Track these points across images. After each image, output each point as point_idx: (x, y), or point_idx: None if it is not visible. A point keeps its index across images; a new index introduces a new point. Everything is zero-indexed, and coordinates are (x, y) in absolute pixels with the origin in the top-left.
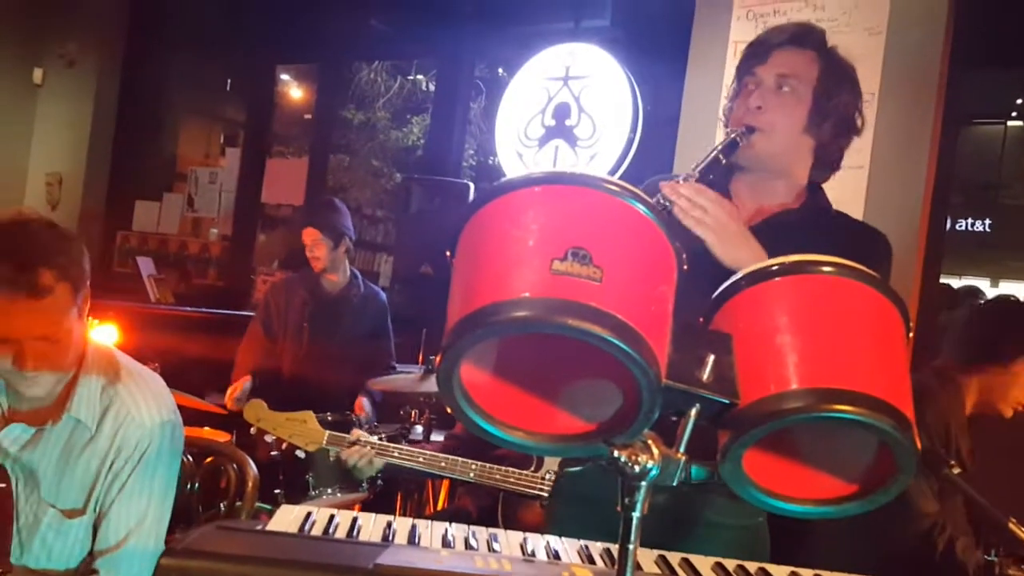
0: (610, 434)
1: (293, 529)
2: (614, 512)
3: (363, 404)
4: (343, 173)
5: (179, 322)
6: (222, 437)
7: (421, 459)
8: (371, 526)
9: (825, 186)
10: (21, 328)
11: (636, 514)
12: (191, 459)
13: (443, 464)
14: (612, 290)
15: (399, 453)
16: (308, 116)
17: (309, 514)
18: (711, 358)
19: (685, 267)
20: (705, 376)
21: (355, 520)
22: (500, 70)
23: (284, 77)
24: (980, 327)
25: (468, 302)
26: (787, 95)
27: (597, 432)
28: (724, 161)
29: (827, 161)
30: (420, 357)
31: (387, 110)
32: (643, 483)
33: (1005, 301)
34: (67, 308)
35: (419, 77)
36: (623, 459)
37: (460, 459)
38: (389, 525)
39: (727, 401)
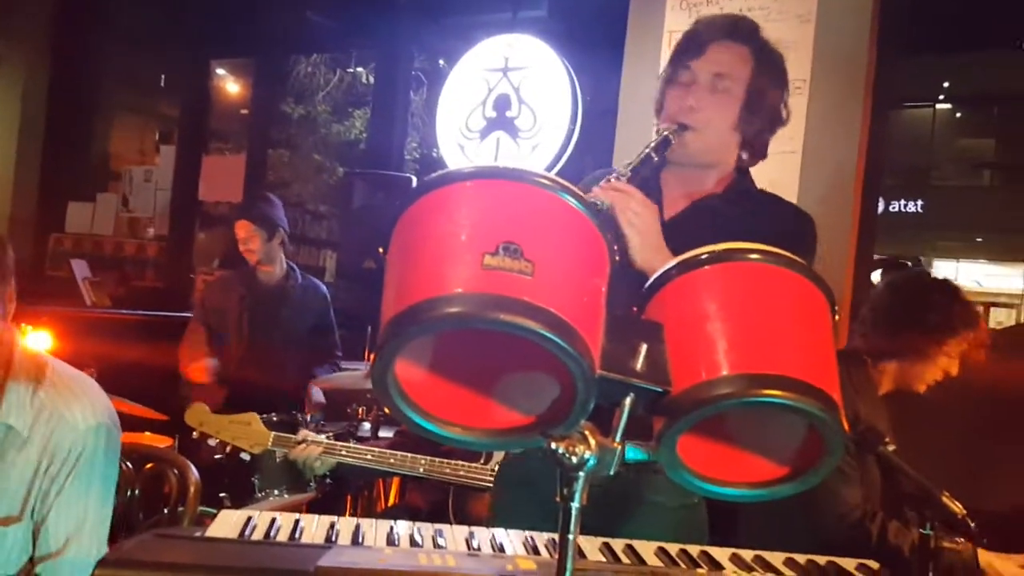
0: (548, 426)
1: (233, 534)
2: (552, 495)
3: (312, 394)
4: (284, 168)
5: (117, 326)
6: (163, 442)
7: (370, 456)
8: (314, 528)
9: (759, 171)
10: None
11: (575, 504)
12: (131, 466)
13: (392, 460)
14: (544, 284)
15: (347, 451)
16: (245, 111)
17: (250, 518)
18: (644, 347)
19: (617, 258)
20: (638, 365)
21: (297, 522)
22: (441, 61)
23: (220, 72)
24: (897, 309)
25: (401, 299)
26: (721, 93)
27: (535, 425)
28: (656, 159)
29: (754, 151)
30: (366, 353)
31: (327, 104)
32: (581, 473)
33: (920, 280)
34: None
35: (359, 70)
36: (561, 450)
37: (409, 455)
38: (332, 526)
39: (660, 389)
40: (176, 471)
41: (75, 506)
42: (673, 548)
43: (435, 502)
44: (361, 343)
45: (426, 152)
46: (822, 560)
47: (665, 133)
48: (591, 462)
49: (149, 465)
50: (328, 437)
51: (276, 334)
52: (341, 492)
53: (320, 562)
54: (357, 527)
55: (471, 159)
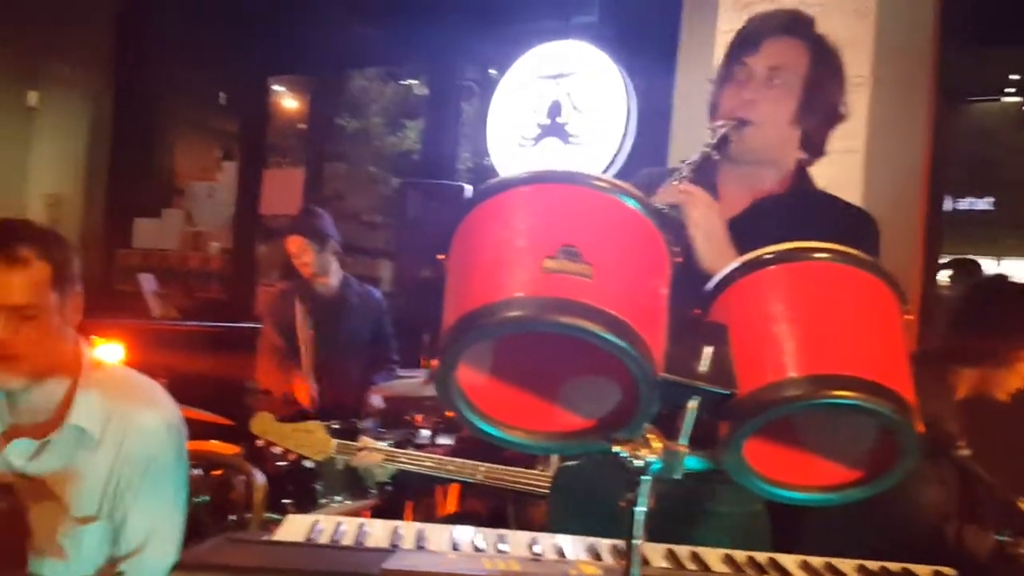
0: (610, 430)
1: (300, 538)
2: (613, 504)
3: (372, 401)
4: (340, 181)
5: (183, 337)
6: (231, 449)
7: (429, 463)
8: (378, 532)
9: (819, 171)
10: None
11: (640, 509)
12: (200, 472)
13: (451, 467)
14: (604, 286)
15: (407, 458)
16: (303, 126)
17: (316, 522)
18: (708, 350)
19: (679, 260)
20: (703, 368)
21: (361, 526)
22: (492, 71)
23: (277, 88)
24: (977, 314)
25: (462, 305)
26: (778, 87)
27: (597, 428)
28: (716, 156)
29: (813, 148)
30: (423, 361)
31: (381, 116)
32: (646, 478)
33: (1002, 285)
34: (44, 286)
35: (411, 82)
36: (624, 454)
37: (468, 461)
38: (396, 530)
39: (725, 392)
40: (243, 477)
41: (150, 506)
42: (740, 555)
43: (495, 509)
44: (418, 351)
45: (478, 161)
46: (896, 567)
47: (724, 130)
48: (656, 466)
49: (217, 471)
50: (388, 444)
51: (337, 343)
52: (402, 498)
53: (385, 565)
54: (420, 532)
55: (523, 166)
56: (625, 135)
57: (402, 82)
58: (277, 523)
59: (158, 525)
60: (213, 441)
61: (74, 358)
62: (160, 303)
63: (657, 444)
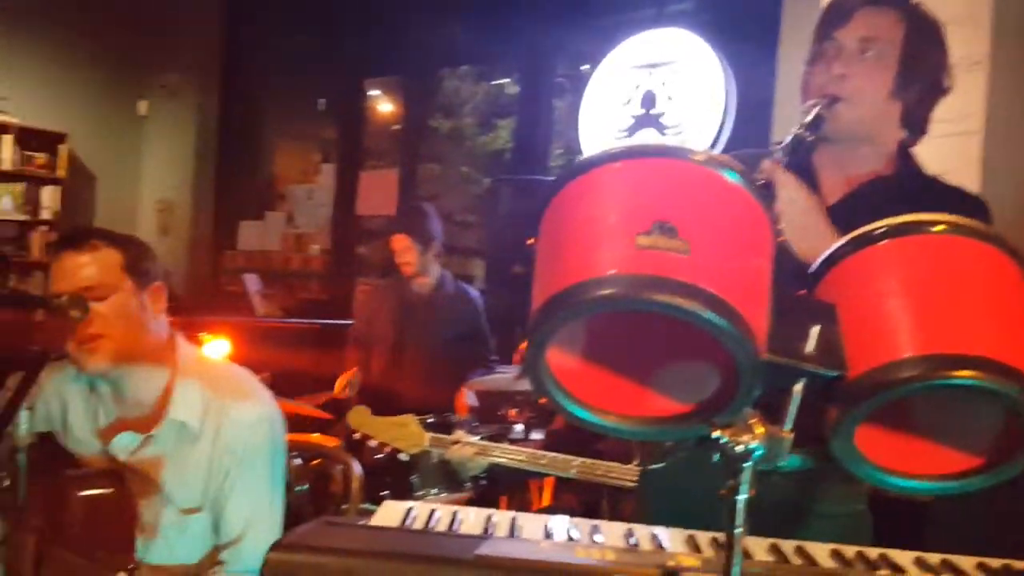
0: (709, 414)
1: (395, 523)
2: (702, 505)
3: (465, 398)
4: (434, 182)
5: (286, 334)
6: (331, 442)
7: (523, 457)
8: (471, 519)
9: (932, 153)
10: (67, 281)
11: (742, 497)
12: (300, 461)
13: (544, 461)
14: (702, 263)
15: (500, 452)
16: (397, 127)
17: (410, 509)
18: (815, 329)
19: (782, 237)
20: (809, 348)
21: (455, 514)
22: (584, 67)
23: (373, 93)
24: None
25: (552, 284)
26: (871, 60)
27: (695, 413)
28: (810, 137)
29: (914, 125)
30: (516, 356)
31: (473, 116)
32: (747, 464)
33: None
34: (113, 268)
35: (503, 81)
36: (725, 440)
37: (561, 455)
38: (489, 518)
39: (835, 373)
40: (341, 467)
41: (249, 495)
42: (849, 550)
43: (589, 503)
44: (511, 347)
45: (571, 157)
46: (1021, 564)
47: (815, 109)
48: (758, 452)
49: (316, 461)
50: (481, 439)
51: (425, 341)
52: (495, 492)
53: (479, 551)
54: (513, 520)
55: None
56: (723, 124)
57: (494, 82)
58: (373, 513)
59: (256, 515)
60: (315, 435)
61: (169, 351)
62: (264, 302)
63: (760, 429)
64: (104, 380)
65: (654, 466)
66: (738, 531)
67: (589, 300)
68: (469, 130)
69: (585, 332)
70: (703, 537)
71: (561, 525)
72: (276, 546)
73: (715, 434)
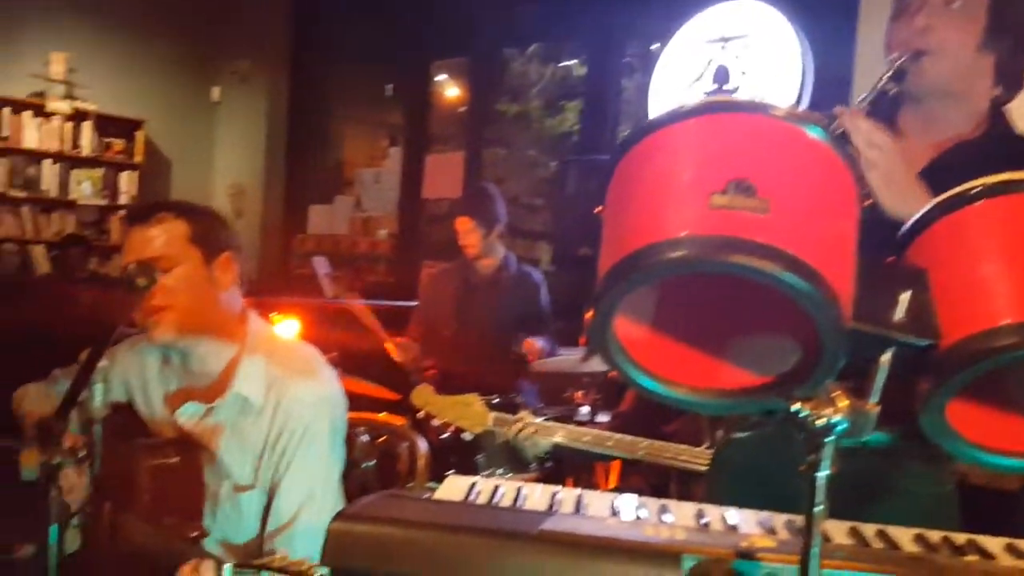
0: (788, 386)
1: (459, 497)
2: (776, 482)
3: (534, 342)
4: (500, 165)
5: (352, 315)
6: (398, 421)
7: (588, 438)
8: (536, 496)
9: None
10: (134, 252)
11: (822, 474)
12: (366, 439)
13: (610, 443)
14: (781, 222)
15: (565, 433)
16: (463, 110)
17: (474, 484)
18: (905, 295)
19: (868, 200)
20: (898, 316)
21: (520, 490)
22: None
23: (440, 77)
24: None
25: (619, 248)
26: (957, 10)
27: (773, 385)
28: (892, 91)
29: (1009, 80)
30: (581, 340)
31: (540, 99)
32: (829, 439)
33: None
34: (179, 240)
35: (571, 63)
36: (805, 413)
37: (628, 437)
38: (554, 495)
39: (926, 343)
40: (406, 444)
41: (304, 475)
42: (934, 535)
43: (657, 487)
44: (577, 330)
45: None
46: None
47: (899, 62)
48: (841, 426)
49: (382, 439)
50: (546, 420)
51: (487, 323)
52: (561, 474)
53: (543, 526)
54: (579, 497)
55: None
56: (800, 99)
57: (561, 64)
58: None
59: (310, 500)
60: (383, 414)
61: (239, 325)
62: (332, 284)
63: (843, 402)
64: (174, 350)
65: (736, 435)
66: (818, 510)
67: (659, 263)
68: (536, 113)
69: (654, 300)
70: (778, 519)
71: (629, 503)
72: (339, 516)
73: (795, 407)
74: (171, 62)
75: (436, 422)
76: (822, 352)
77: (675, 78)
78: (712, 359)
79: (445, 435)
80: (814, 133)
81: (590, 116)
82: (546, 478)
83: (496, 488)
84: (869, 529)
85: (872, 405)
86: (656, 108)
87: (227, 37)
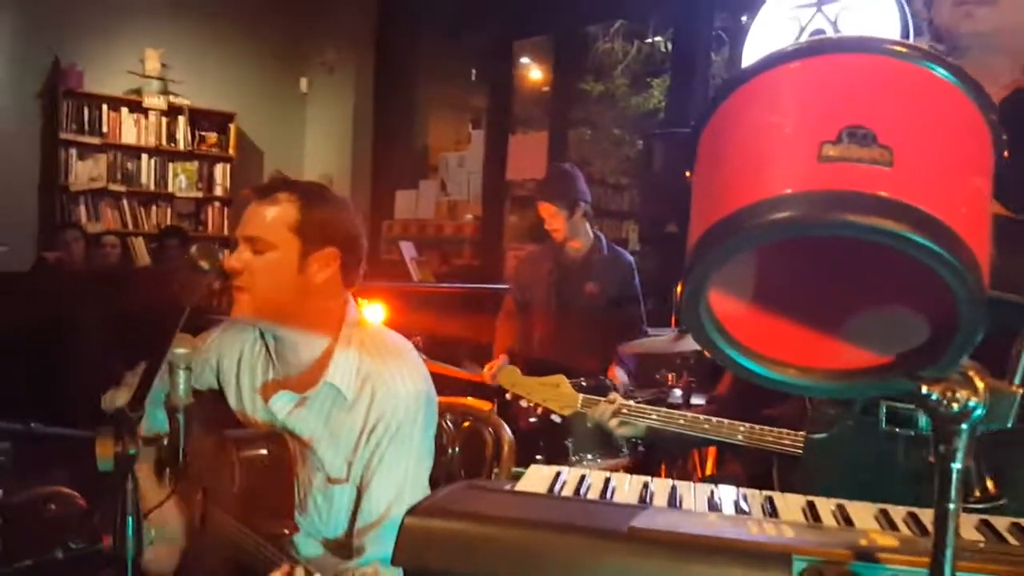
0: (914, 366)
1: (543, 489)
2: (872, 474)
3: (616, 373)
4: (585, 146)
5: (439, 299)
6: (485, 405)
7: (682, 421)
8: (627, 487)
9: None
10: (240, 227)
11: (956, 465)
12: (451, 425)
13: (707, 426)
14: (908, 174)
15: (657, 415)
16: (546, 88)
17: (559, 474)
18: None
19: (1006, 153)
20: None
21: (608, 480)
22: (743, 17)
23: (524, 60)
24: None
25: (712, 211)
26: None
27: (896, 365)
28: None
29: None
30: (673, 320)
31: (626, 77)
32: (964, 426)
33: None
34: (282, 226)
35: (657, 39)
36: (935, 396)
37: (726, 420)
38: (646, 486)
39: None
40: (491, 430)
41: (396, 471)
42: None
43: (757, 475)
44: (667, 310)
45: None
46: None
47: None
48: (978, 411)
49: (466, 423)
50: (638, 403)
51: (580, 306)
52: (655, 460)
53: (634, 522)
54: (674, 488)
55: None
56: None
57: (647, 40)
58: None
59: (402, 494)
60: (469, 398)
61: (335, 318)
62: (419, 268)
63: (981, 383)
64: (268, 337)
65: (817, 435)
66: (952, 507)
67: (759, 226)
68: (621, 91)
69: (755, 270)
70: (897, 512)
71: (729, 495)
72: (413, 510)
73: (924, 390)
74: (260, 55)
75: (524, 404)
76: (958, 326)
77: (767, 46)
78: (824, 336)
79: (534, 418)
80: (942, 72)
81: (677, 92)
82: (638, 464)
83: (583, 478)
84: (1001, 523)
85: (1017, 387)
86: None
87: (314, 28)
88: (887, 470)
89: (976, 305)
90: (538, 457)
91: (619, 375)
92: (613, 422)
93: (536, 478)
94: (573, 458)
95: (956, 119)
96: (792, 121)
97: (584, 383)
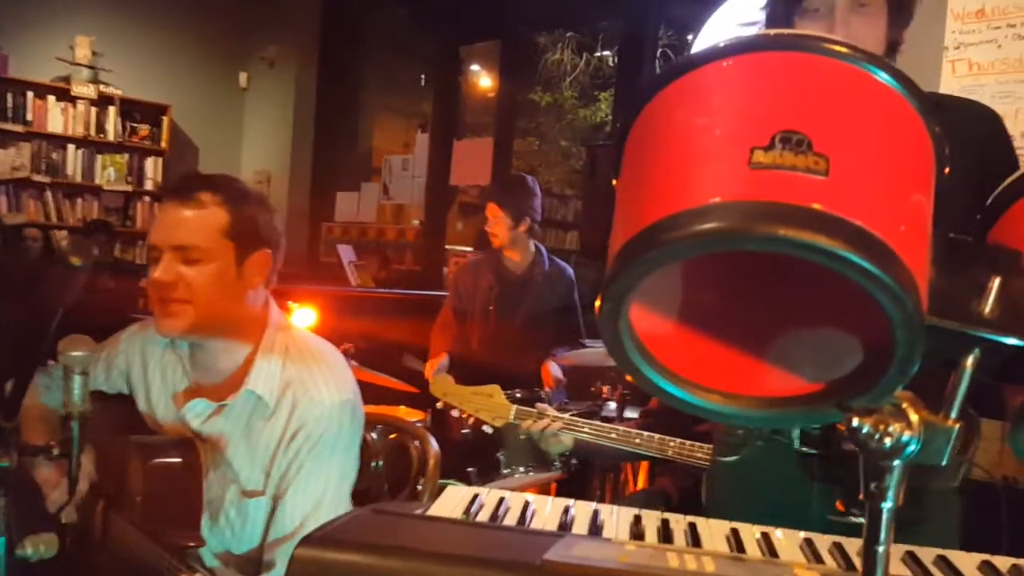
0: (846, 395)
1: (457, 514)
2: (779, 502)
3: (551, 368)
4: (532, 156)
5: (376, 304)
6: (417, 415)
7: (614, 435)
8: (547, 510)
9: None
10: (164, 234)
11: (888, 505)
12: (376, 437)
13: (638, 441)
14: (845, 186)
15: (589, 429)
16: (492, 95)
17: (476, 496)
18: (995, 283)
19: (947, 168)
20: (987, 309)
21: (527, 505)
22: (689, 36)
23: (474, 68)
24: None
25: (634, 220)
26: (868, 10)
27: (826, 393)
28: None
29: (894, 54)
30: None
31: (574, 89)
32: (897, 462)
33: None
34: (214, 231)
35: (605, 53)
36: (867, 429)
37: (657, 436)
38: (567, 511)
39: (1021, 343)
40: (418, 443)
41: (315, 483)
42: (1002, 562)
43: (686, 489)
44: None
45: None
46: None
47: None
48: (912, 446)
49: (393, 436)
50: (571, 415)
51: (518, 318)
52: (588, 473)
53: (548, 555)
54: (595, 514)
55: None
56: None
57: (596, 54)
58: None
59: (319, 507)
60: (402, 407)
61: (258, 322)
62: (357, 273)
63: (915, 416)
64: (181, 344)
65: (726, 459)
66: (881, 550)
67: (684, 238)
68: (569, 103)
69: (680, 285)
70: (822, 542)
71: (653, 521)
72: (308, 539)
73: (854, 422)
74: (198, 47)
75: (457, 414)
76: (894, 353)
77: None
78: (752, 360)
79: (466, 429)
80: (884, 77)
81: (622, 107)
82: (572, 477)
83: (501, 501)
84: (927, 555)
85: (953, 421)
86: None
87: (255, 22)
88: (800, 491)
89: (913, 330)
90: (469, 469)
91: (553, 370)
92: (545, 436)
93: (451, 501)
94: (505, 470)
95: (897, 128)
96: (722, 123)
97: (519, 394)
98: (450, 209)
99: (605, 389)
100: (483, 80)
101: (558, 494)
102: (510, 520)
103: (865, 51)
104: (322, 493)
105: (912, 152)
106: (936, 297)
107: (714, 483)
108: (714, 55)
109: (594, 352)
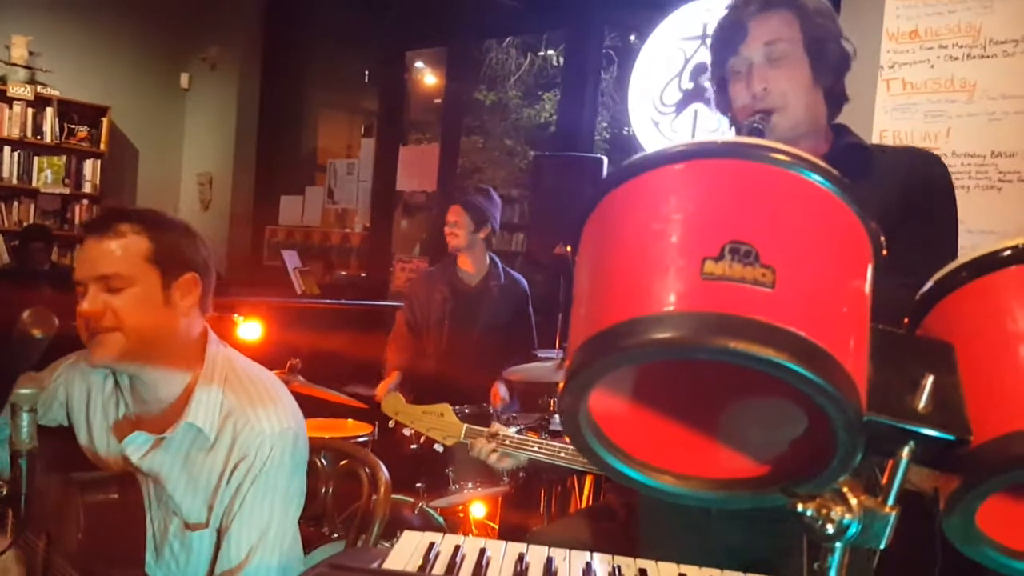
0: (792, 479)
1: (413, 566)
2: (707, 528)
3: (499, 389)
4: (477, 154)
5: (322, 315)
6: (364, 429)
7: (563, 454)
8: (502, 557)
9: (991, 133)
10: (86, 268)
11: None
12: (325, 463)
13: (585, 459)
14: (789, 297)
15: (539, 448)
16: (439, 101)
17: (432, 544)
18: (928, 379)
19: (884, 252)
20: (921, 404)
21: (483, 552)
22: (632, 37)
23: (418, 65)
24: None
25: (594, 320)
26: (783, 62)
27: (773, 476)
28: None
29: (836, 99)
30: (557, 341)
31: (518, 89)
32: (838, 544)
33: None
34: (136, 258)
35: (549, 53)
36: (811, 514)
37: None
38: (521, 558)
39: (954, 438)
40: (367, 469)
41: (259, 514)
42: None
43: (631, 504)
44: (552, 330)
45: (617, 131)
46: None
47: (753, 126)
48: (853, 529)
49: (343, 462)
50: (520, 430)
51: (473, 332)
52: (534, 487)
53: None
54: (549, 561)
55: (666, 135)
56: None
57: (540, 53)
58: (407, 505)
59: (263, 542)
60: (349, 421)
61: (196, 350)
62: (302, 280)
63: (855, 500)
64: (122, 374)
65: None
66: None
67: (640, 345)
68: (514, 102)
69: (635, 371)
70: None
71: (604, 567)
72: None
73: (799, 507)
74: (138, 47)
75: (407, 432)
76: (836, 450)
77: (654, 74)
78: (703, 440)
79: (415, 446)
80: (818, 179)
81: (567, 107)
82: (519, 492)
83: (457, 549)
84: None
85: (891, 507)
86: (635, 104)
87: (197, 22)
88: (726, 514)
89: (854, 432)
90: (418, 485)
91: (501, 391)
92: (493, 457)
93: (407, 549)
94: (453, 486)
95: (836, 230)
96: (676, 231)
97: (467, 410)
98: (395, 210)
99: (553, 403)
100: (427, 78)
101: (504, 507)
102: (466, 571)
103: (798, 155)
104: (267, 524)
105: (850, 252)
106: (873, 393)
107: (645, 507)
108: (665, 159)
109: (542, 367)
